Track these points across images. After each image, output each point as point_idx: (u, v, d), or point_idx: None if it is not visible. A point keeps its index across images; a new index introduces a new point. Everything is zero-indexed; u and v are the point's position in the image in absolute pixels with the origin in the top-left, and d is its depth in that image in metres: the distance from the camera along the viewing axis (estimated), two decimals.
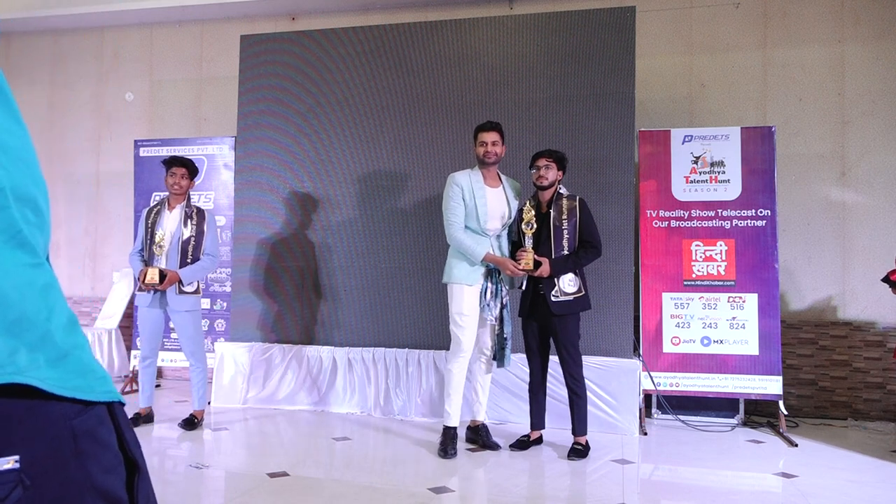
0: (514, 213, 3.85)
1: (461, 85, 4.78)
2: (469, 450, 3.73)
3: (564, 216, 3.71)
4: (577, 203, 3.73)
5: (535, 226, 3.69)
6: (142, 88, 6.44)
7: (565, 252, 3.68)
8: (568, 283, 3.65)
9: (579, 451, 3.58)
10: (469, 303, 3.68)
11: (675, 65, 5.26)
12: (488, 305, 3.70)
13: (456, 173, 3.80)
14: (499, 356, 3.76)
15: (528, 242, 3.69)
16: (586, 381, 4.18)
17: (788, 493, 3.09)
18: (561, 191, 3.79)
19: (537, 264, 3.65)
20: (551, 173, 3.74)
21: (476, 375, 3.86)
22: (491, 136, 3.75)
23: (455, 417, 3.70)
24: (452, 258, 3.76)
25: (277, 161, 5.05)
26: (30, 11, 6.31)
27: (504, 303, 3.75)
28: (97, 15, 6.26)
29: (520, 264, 3.62)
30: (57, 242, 6.57)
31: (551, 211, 3.75)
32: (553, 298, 3.64)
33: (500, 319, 3.73)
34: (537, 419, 3.88)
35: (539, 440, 3.91)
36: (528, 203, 3.79)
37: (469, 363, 3.77)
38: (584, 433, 3.67)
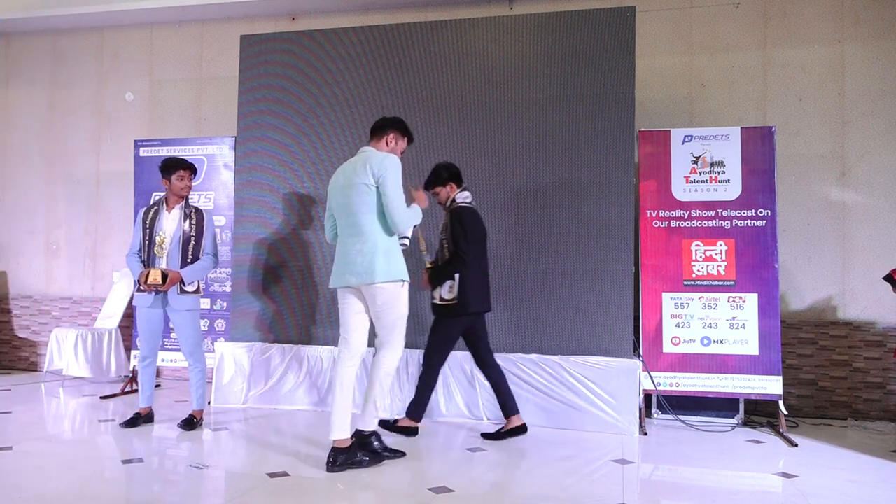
0: None
1: (461, 85, 4.78)
2: (469, 449, 3.73)
3: (441, 229, 4.02)
4: (449, 215, 3.95)
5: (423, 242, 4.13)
6: (142, 88, 6.44)
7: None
8: (447, 290, 3.92)
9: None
10: None
11: (675, 65, 5.26)
12: None
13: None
14: None
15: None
16: (587, 381, 4.21)
17: (788, 493, 3.09)
18: (457, 200, 3.99)
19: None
20: (441, 195, 4.03)
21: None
22: None
23: None
24: (397, 252, 3.42)
25: (277, 161, 5.05)
26: (30, 11, 6.32)
27: None
28: (97, 15, 6.27)
29: None
30: (57, 242, 6.57)
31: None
32: (431, 301, 4.03)
33: None
34: (502, 407, 4.01)
35: (520, 430, 3.94)
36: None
37: (359, 364, 3.63)
38: (417, 419, 3.97)
